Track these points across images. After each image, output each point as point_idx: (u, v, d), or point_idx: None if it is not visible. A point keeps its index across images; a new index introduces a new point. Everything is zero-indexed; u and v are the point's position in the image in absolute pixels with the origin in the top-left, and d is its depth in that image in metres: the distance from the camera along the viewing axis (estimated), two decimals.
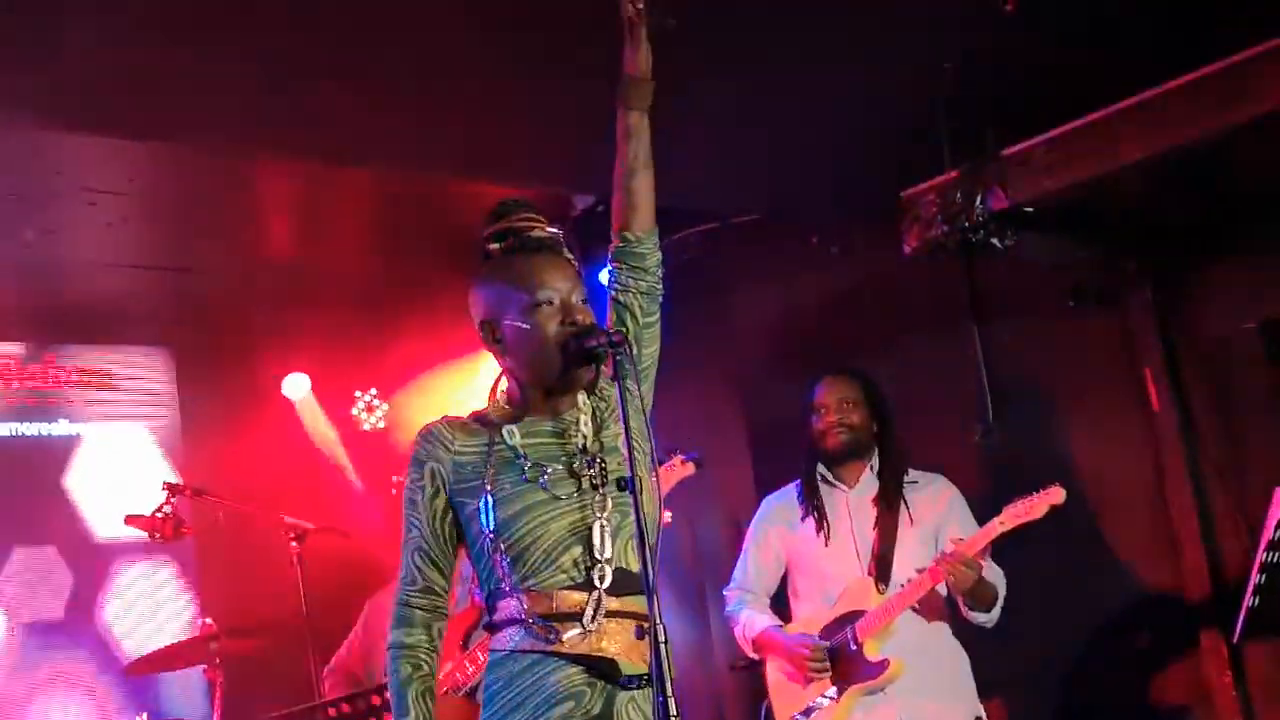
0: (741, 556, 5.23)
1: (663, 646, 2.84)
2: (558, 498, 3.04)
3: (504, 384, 3.21)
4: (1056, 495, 4.67)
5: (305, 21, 4.24)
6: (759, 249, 6.58)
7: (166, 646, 5.52)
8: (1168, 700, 5.81)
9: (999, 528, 4.71)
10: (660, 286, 3.28)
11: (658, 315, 3.27)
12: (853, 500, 5.04)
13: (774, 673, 5.06)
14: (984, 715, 4.94)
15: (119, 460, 7.02)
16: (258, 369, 7.21)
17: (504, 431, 3.10)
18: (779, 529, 5.15)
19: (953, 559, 4.66)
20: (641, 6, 3.16)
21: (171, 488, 5.57)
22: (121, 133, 4.98)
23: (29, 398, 6.88)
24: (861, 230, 6.00)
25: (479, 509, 3.05)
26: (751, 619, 5.09)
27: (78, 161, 5.25)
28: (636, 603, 2.99)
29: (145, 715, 5.42)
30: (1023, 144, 5.24)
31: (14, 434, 6.83)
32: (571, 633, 2.98)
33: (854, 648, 4.83)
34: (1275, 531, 4.59)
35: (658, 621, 2.85)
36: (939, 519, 4.94)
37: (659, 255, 3.28)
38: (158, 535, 5.49)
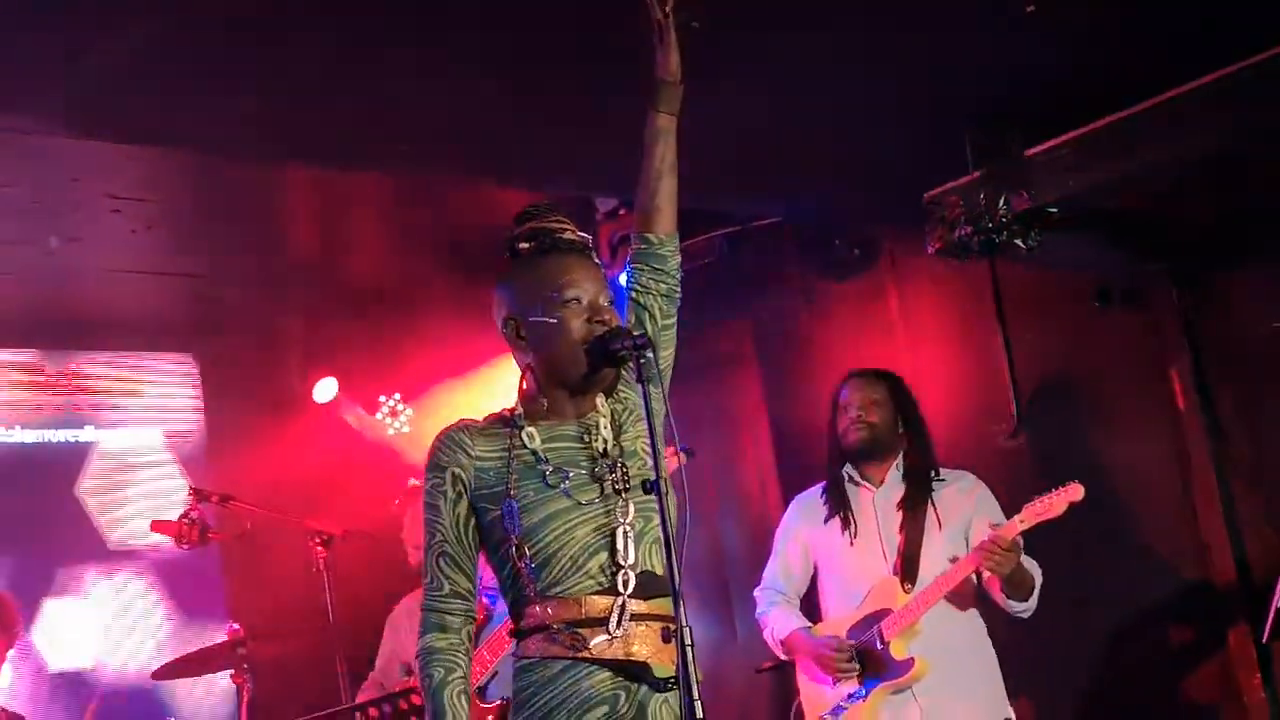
0: (771, 557, 5.23)
1: (689, 649, 2.85)
2: (581, 504, 3.04)
3: (525, 385, 3.22)
4: (1075, 492, 4.67)
5: (325, 24, 4.24)
6: (783, 252, 6.58)
7: (194, 651, 5.53)
8: (1196, 700, 5.81)
9: (1019, 526, 4.71)
10: (679, 290, 3.30)
11: (675, 318, 3.29)
12: (879, 499, 5.04)
13: (803, 673, 5.07)
14: (1013, 716, 4.93)
15: (141, 468, 7.04)
16: (281, 375, 7.24)
17: (524, 434, 3.10)
18: (806, 527, 5.15)
19: (991, 544, 4.66)
20: (669, 10, 3.18)
21: (198, 493, 5.59)
22: (144, 140, 4.98)
23: (52, 405, 6.90)
24: (884, 232, 5.99)
25: (502, 515, 3.05)
26: (780, 620, 5.09)
27: (101, 169, 5.27)
28: (663, 605, 3.00)
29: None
30: (1046, 144, 5.24)
31: (41, 440, 6.84)
32: (598, 639, 2.98)
33: (880, 647, 4.83)
34: None
35: (684, 624, 2.86)
36: (967, 516, 4.94)
37: (679, 258, 3.30)
38: (184, 542, 5.50)
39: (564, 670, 3.01)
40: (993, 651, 4.96)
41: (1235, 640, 5.64)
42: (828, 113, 5.25)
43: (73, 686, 6.69)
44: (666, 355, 3.25)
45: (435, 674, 3.08)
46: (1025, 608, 4.84)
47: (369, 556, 6.06)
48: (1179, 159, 5.00)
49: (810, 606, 5.16)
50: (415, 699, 4.92)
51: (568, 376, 3.12)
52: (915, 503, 4.98)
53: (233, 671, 5.26)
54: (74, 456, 6.92)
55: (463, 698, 3.07)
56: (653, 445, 2.97)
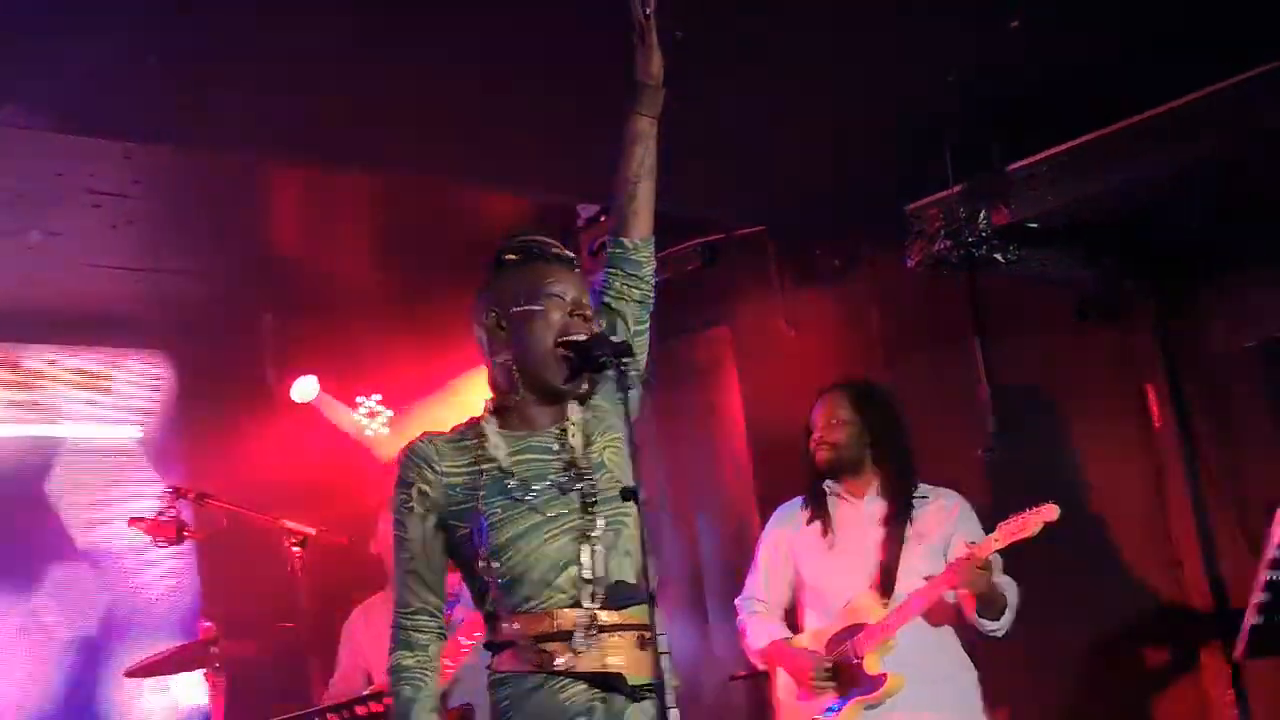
0: (753, 568, 5.25)
1: (663, 657, 2.86)
2: (550, 518, 3.04)
3: (492, 386, 3.21)
4: (1050, 513, 4.69)
5: (308, 24, 4.24)
6: (763, 261, 6.60)
7: (168, 650, 5.52)
8: (1170, 716, 5.81)
9: (993, 545, 4.73)
10: (652, 295, 3.30)
11: (648, 324, 3.30)
12: (859, 514, 5.05)
13: (781, 685, 5.08)
14: None
15: (113, 464, 7.02)
16: (259, 374, 7.22)
17: (490, 446, 3.10)
18: (788, 534, 5.16)
19: (965, 562, 4.68)
20: (650, 12, 3.19)
21: (175, 491, 5.58)
22: (125, 135, 4.98)
23: (27, 399, 6.88)
24: (865, 244, 6.01)
25: (471, 533, 3.06)
26: (759, 630, 5.10)
27: (81, 164, 5.26)
28: (638, 614, 3.01)
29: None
30: (1026, 160, 5.26)
31: (14, 434, 6.82)
32: (564, 657, 2.99)
33: (855, 661, 4.84)
34: (1277, 550, 4.60)
35: (659, 632, 2.87)
36: (947, 533, 4.95)
37: (654, 264, 3.31)
38: (161, 540, 5.50)
39: (540, 685, 3.03)
40: (970, 668, 4.98)
41: (1208, 657, 5.66)
42: (810, 123, 5.27)
43: None
44: (640, 361, 3.24)
45: (404, 691, 3.10)
46: (997, 626, 4.85)
47: (343, 557, 6.04)
48: (1158, 177, 5.02)
49: (790, 617, 5.18)
50: (374, 705, 4.92)
51: (543, 377, 3.12)
52: (895, 519, 5.00)
53: (205, 670, 5.26)
54: (45, 451, 6.90)
55: (433, 716, 3.09)
56: (631, 453, 2.98)
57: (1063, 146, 5.17)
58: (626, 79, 3.24)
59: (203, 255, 6.42)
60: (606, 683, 3.01)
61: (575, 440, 3.11)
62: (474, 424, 3.17)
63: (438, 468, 3.13)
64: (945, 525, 4.97)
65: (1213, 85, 4.80)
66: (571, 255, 3.23)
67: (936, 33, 4.71)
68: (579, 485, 3.06)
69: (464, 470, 3.11)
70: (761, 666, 5.14)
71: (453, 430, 3.20)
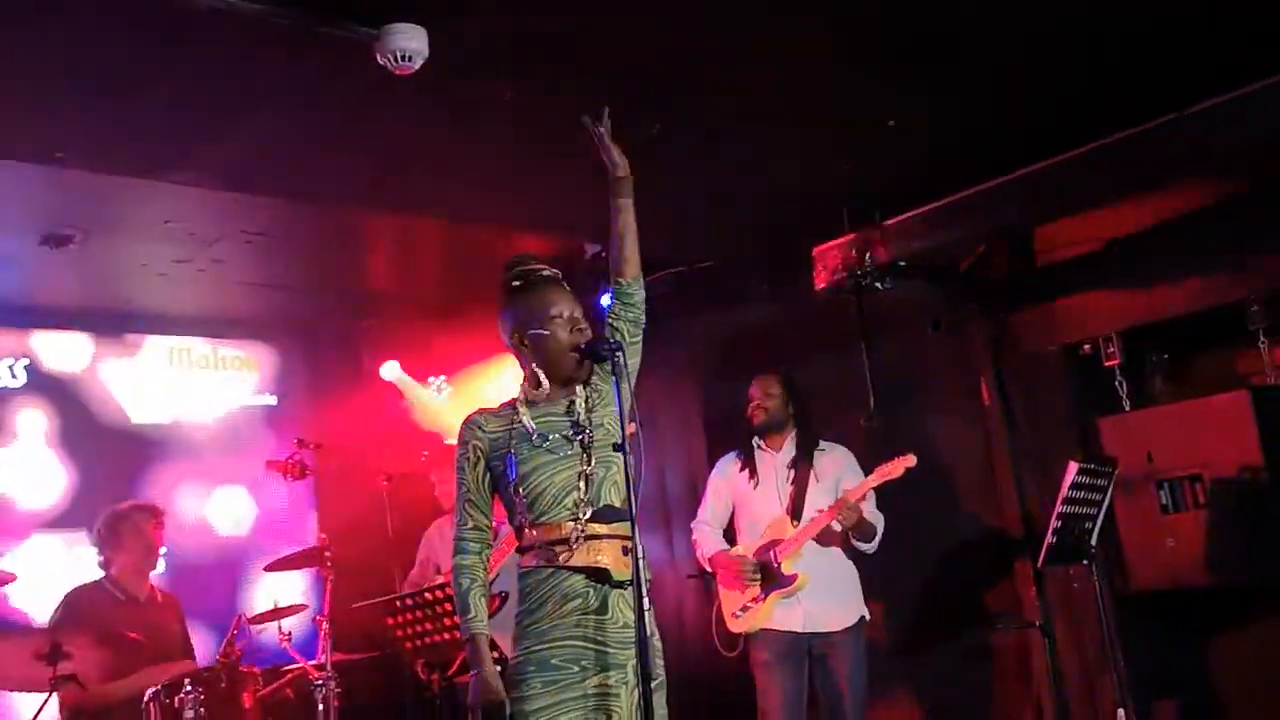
0: (704, 498, 5.27)
1: (640, 560, 2.91)
2: (559, 457, 3.10)
3: (525, 378, 3.26)
4: (909, 460, 4.73)
5: (404, 115, 4.27)
6: (714, 286, 6.59)
7: (294, 553, 5.53)
8: (991, 607, 5.85)
9: (871, 483, 4.76)
10: (644, 318, 3.30)
11: (640, 338, 3.30)
12: (777, 461, 5.08)
13: (720, 582, 5.09)
14: (868, 614, 4.98)
15: (258, 422, 7.04)
16: (360, 360, 7.23)
17: (521, 415, 3.16)
18: (727, 479, 5.19)
19: (841, 504, 4.73)
20: (603, 131, 3.21)
21: (301, 442, 5.60)
22: (269, 192, 5.01)
23: (199, 377, 6.89)
24: (786, 274, 6.02)
25: (506, 468, 3.12)
26: (707, 542, 5.12)
27: (237, 211, 5.26)
28: (621, 528, 3.07)
29: (275, 600, 5.42)
30: (899, 217, 5.30)
31: (190, 401, 6.84)
32: (566, 553, 3.05)
33: (775, 565, 4.87)
34: (1068, 492, 4.66)
35: (637, 540, 2.92)
36: (838, 475, 4.98)
37: (643, 294, 3.31)
38: (290, 476, 5.51)
39: (552, 574, 3.08)
40: (854, 571, 5.00)
41: (1019, 566, 5.69)
42: (750, 189, 5.30)
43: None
44: (633, 364, 3.28)
45: (463, 582, 3.16)
46: (868, 547, 4.89)
47: (417, 490, 6.07)
48: (988, 231, 5.06)
49: (728, 535, 5.21)
50: (439, 593, 4.94)
51: (559, 370, 3.18)
52: (802, 464, 5.03)
53: (320, 568, 5.29)
54: (212, 413, 6.91)
55: (481, 599, 3.15)
56: (620, 415, 3.03)
57: (924, 208, 5.21)
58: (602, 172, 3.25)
59: (321, 276, 6.41)
60: (597, 574, 3.06)
61: (580, 407, 3.16)
62: (511, 403, 3.24)
63: (485, 430, 3.20)
64: (836, 471, 5.01)
65: (1027, 168, 4.85)
66: (558, 273, 3.28)
67: (839, 129, 4.75)
68: (580, 437, 3.11)
69: (502, 430, 3.18)
70: (708, 568, 5.16)
71: (498, 406, 3.26)
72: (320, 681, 4.85)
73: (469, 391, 7.02)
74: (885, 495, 4.85)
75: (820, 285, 5.55)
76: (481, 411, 3.25)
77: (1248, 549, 4.91)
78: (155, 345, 6.73)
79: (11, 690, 4.51)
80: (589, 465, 3.08)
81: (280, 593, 6.05)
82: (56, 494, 6.22)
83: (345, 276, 6.50)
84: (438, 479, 5.93)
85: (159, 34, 3.61)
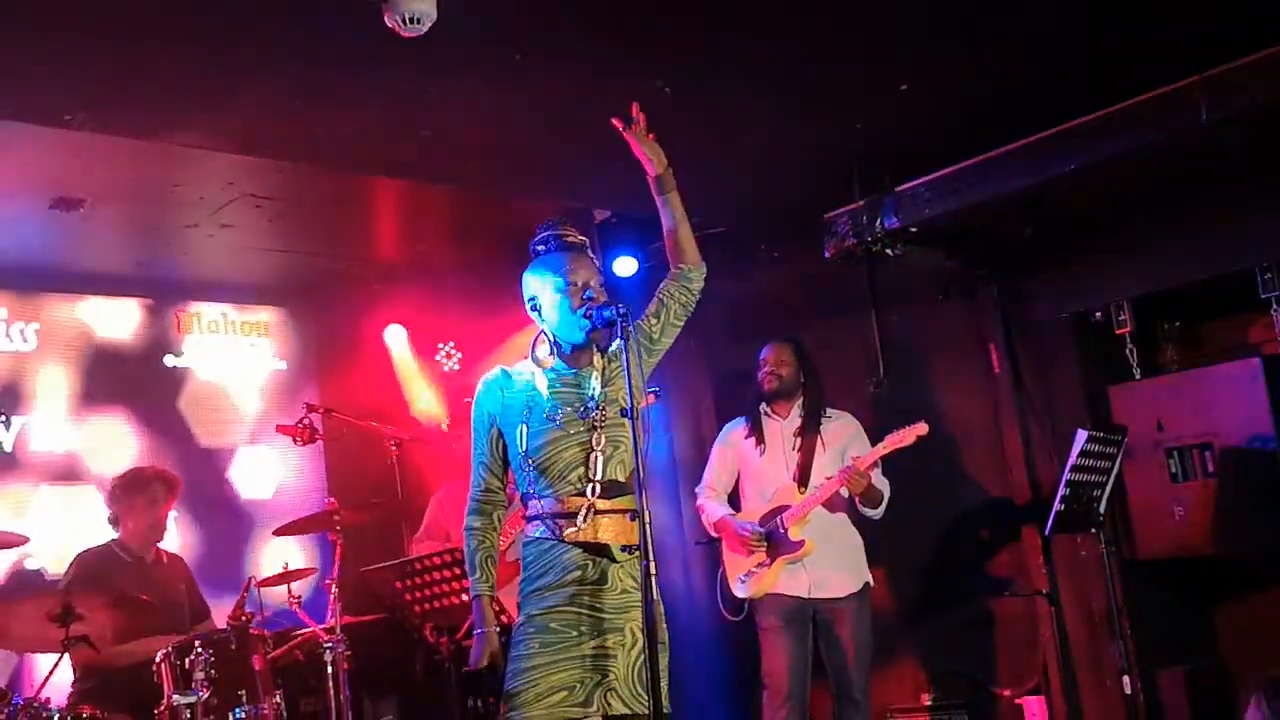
0: (708, 465, 5.28)
1: (647, 527, 2.91)
2: (569, 432, 3.10)
3: (542, 341, 3.26)
4: (921, 428, 4.73)
5: (413, 78, 4.25)
6: (726, 252, 6.56)
7: (303, 517, 5.55)
8: (998, 574, 5.87)
9: (881, 450, 4.76)
10: (694, 305, 3.31)
11: (682, 325, 3.31)
12: (784, 428, 5.08)
13: (727, 547, 5.11)
14: (872, 580, 5.00)
15: (268, 387, 7.04)
16: (369, 325, 7.21)
17: (535, 382, 3.16)
18: (733, 445, 5.19)
19: (850, 471, 4.73)
20: (626, 131, 3.19)
21: (310, 407, 5.60)
22: (279, 155, 4.99)
23: (210, 342, 6.89)
24: (796, 241, 6.01)
25: (516, 438, 3.13)
26: (713, 509, 5.13)
27: (246, 176, 5.24)
28: (626, 501, 3.08)
29: (285, 563, 5.45)
30: (910, 183, 5.27)
31: (202, 365, 6.83)
32: (570, 529, 3.06)
33: (781, 531, 4.88)
34: (1076, 460, 4.66)
35: (645, 509, 2.92)
36: (844, 443, 4.99)
37: (702, 283, 3.32)
38: (299, 440, 5.52)
39: (553, 546, 3.10)
40: (859, 537, 5.02)
41: (1027, 534, 5.71)
42: (762, 158, 5.27)
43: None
44: (666, 343, 3.29)
45: (471, 544, 3.19)
46: (875, 513, 4.90)
47: (426, 455, 6.08)
48: (999, 197, 5.03)
49: (733, 502, 5.22)
50: (447, 557, 4.95)
51: (570, 337, 3.19)
52: (809, 431, 5.03)
53: (329, 532, 5.30)
54: (223, 378, 6.92)
55: (489, 562, 3.18)
56: (629, 381, 3.01)
57: (935, 174, 5.18)
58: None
59: (330, 240, 6.39)
60: (596, 550, 3.08)
61: (595, 381, 3.16)
62: (529, 365, 3.24)
63: (501, 395, 3.20)
64: (843, 438, 5.01)
65: (1037, 134, 4.82)
66: (583, 240, 3.27)
67: (850, 95, 4.72)
68: (592, 413, 3.11)
69: (517, 396, 3.19)
70: (714, 534, 5.18)
71: (517, 366, 3.26)
72: (329, 644, 4.88)
73: (480, 359, 7.02)
74: (893, 462, 4.86)
75: (830, 252, 5.54)
76: (499, 372, 3.25)
77: (1256, 518, 4.91)
78: (164, 310, 6.72)
79: (26, 651, 4.56)
80: (599, 443, 3.08)
81: (290, 556, 6.10)
82: (65, 450, 6.24)
83: (354, 241, 6.48)
84: (456, 440, 5.92)
85: None
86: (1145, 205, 5.15)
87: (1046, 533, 4.88)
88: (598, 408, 3.11)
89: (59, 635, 4.24)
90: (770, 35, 4.18)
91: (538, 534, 3.12)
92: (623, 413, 3.05)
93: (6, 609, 4.36)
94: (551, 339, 3.22)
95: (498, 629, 3.16)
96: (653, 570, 2.89)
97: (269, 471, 6.88)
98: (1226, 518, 4.98)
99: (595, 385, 3.15)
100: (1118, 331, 5.50)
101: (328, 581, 5.12)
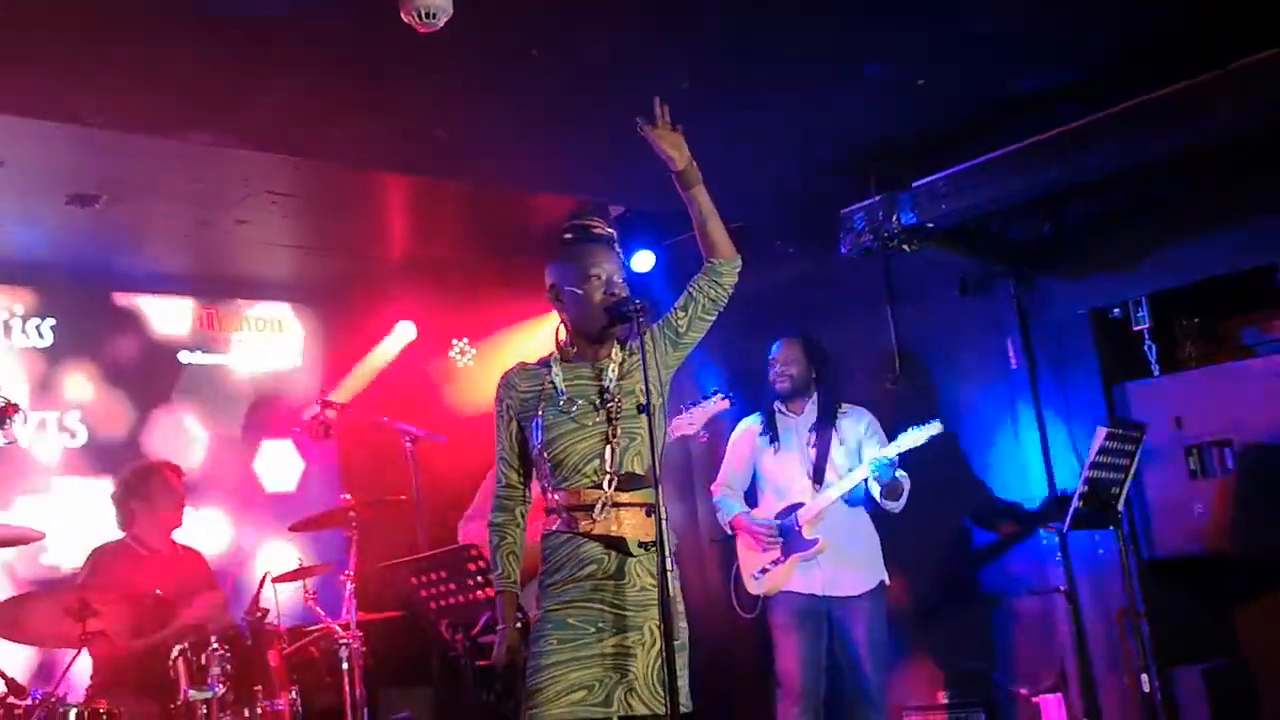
0: (724, 463, 5.28)
1: (663, 523, 2.91)
2: (585, 425, 3.11)
3: (561, 333, 3.26)
4: (935, 428, 4.74)
5: (429, 74, 4.26)
6: (741, 248, 6.56)
7: (318, 513, 5.57)
8: (1015, 571, 5.84)
9: (896, 449, 4.76)
10: (726, 300, 3.27)
11: (712, 320, 3.28)
12: (799, 425, 5.09)
13: (742, 545, 5.12)
14: (888, 580, 5.00)
15: (283, 382, 7.06)
16: (384, 321, 7.23)
17: (552, 374, 3.16)
18: (748, 442, 5.20)
19: (890, 465, 4.73)
20: (645, 129, 3.17)
21: (324, 402, 5.62)
22: (293, 152, 5.01)
23: (225, 336, 6.92)
24: (812, 236, 6.00)
25: (532, 431, 3.14)
26: (728, 507, 5.15)
27: (262, 173, 5.27)
28: (643, 495, 3.08)
29: (300, 558, 5.47)
30: (927, 179, 5.25)
31: (215, 362, 6.88)
32: (587, 522, 3.07)
33: (796, 529, 4.89)
34: (1095, 457, 4.64)
35: (661, 505, 2.92)
36: (859, 439, 4.99)
37: (734, 277, 3.28)
38: (314, 436, 5.53)
39: (570, 539, 3.10)
40: (876, 535, 5.02)
41: (1044, 532, 5.65)
42: (778, 151, 5.27)
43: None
44: (693, 337, 3.27)
45: (493, 539, 3.21)
46: (895, 506, 4.91)
47: (441, 451, 6.07)
48: (1016, 193, 5.02)
49: (749, 498, 5.22)
50: (463, 553, 4.96)
51: (589, 329, 3.19)
52: (824, 428, 5.03)
53: (344, 528, 5.32)
54: (235, 374, 6.94)
55: (511, 557, 3.18)
56: (645, 375, 3.02)
57: (952, 170, 5.16)
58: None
59: (344, 237, 6.42)
60: (613, 543, 3.08)
61: (612, 373, 3.16)
62: (546, 359, 3.24)
63: (518, 388, 3.20)
64: (859, 433, 5.01)
65: (1049, 132, 4.81)
66: (611, 233, 3.26)
67: (868, 92, 4.72)
68: (608, 405, 3.11)
69: (533, 389, 3.19)
70: (730, 532, 5.19)
71: (536, 361, 3.26)
72: (345, 640, 4.90)
73: (495, 356, 7.03)
74: (910, 459, 4.85)
75: (846, 248, 5.52)
76: (518, 368, 3.26)
77: (1277, 516, 4.88)
78: (180, 306, 6.75)
79: (44, 646, 4.58)
80: (614, 435, 3.08)
81: (313, 552, 6.12)
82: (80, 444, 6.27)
83: (369, 238, 6.51)
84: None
85: None
86: (1164, 200, 5.13)
87: (1065, 530, 4.86)
88: (613, 400, 3.11)
89: (76, 630, 4.26)
90: (787, 31, 4.17)
91: (554, 527, 3.13)
92: (640, 409, 3.05)
93: (24, 604, 4.39)
94: (570, 330, 3.22)
95: (519, 625, 3.16)
96: (670, 567, 2.89)
97: (288, 466, 6.91)
98: (1246, 515, 4.96)
99: (612, 377, 3.15)
100: (1136, 328, 5.47)
101: (343, 577, 5.14)
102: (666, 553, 2.91)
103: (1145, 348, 5.51)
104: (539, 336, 6.68)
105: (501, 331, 7.16)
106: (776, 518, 4.95)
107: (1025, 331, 5.74)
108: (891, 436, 4.85)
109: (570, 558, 3.09)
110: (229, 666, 4.45)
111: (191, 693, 4.39)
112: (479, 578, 4.29)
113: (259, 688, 4.50)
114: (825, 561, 4.87)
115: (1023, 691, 5.71)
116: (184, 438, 6.59)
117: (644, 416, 3.05)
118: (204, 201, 5.51)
